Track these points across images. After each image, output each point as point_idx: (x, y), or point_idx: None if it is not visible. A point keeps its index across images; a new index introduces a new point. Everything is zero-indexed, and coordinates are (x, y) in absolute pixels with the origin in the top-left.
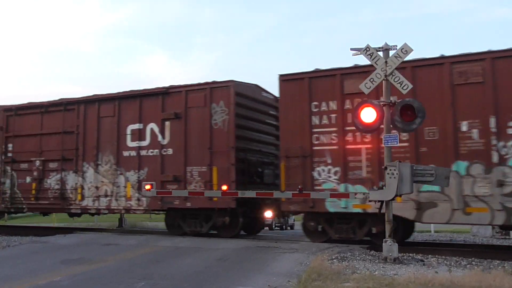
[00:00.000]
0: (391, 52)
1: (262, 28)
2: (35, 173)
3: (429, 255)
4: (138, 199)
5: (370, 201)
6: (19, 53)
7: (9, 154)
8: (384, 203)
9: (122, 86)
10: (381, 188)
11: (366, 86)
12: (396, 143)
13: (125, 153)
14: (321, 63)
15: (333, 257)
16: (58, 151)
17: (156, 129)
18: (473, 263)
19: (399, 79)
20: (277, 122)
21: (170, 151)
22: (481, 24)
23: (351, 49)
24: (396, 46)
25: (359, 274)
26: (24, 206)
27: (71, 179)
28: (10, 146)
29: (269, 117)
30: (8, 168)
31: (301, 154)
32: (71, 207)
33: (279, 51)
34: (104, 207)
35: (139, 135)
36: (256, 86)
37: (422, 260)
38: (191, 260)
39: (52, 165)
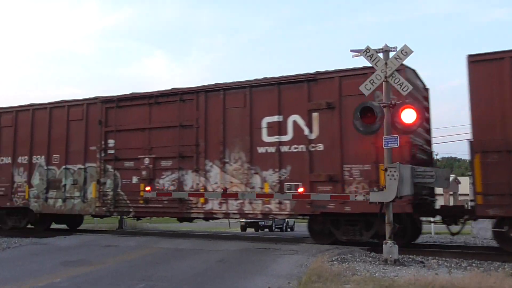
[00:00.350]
0: (391, 54)
1: (261, 30)
2: (143, 173)
3: (430, 257)
4: (280, 202)
5: (370, 202)
6: (19, 55)
7: (111, 151)
8: (385, 205)
9: (122, 88)
10: (381, 189)
11: (366, 88)
12: (396, 145)
13: (261, 150)
14: (319, 64)
15: (333, 259)
16: (173, 147)
17: (301, 122)
18: (474, 264)
19: (399, 81)
20: (427, 113)
21: (320, 146)
22: (479, 25)
23: (351, 51)
24: (396, 47)
25: (359, 276)
26: (130, 210)
27: (190, 179)
28: (111, 142)
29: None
30: (109, 166)
31: (504, 148)
32: (192, 211)
33: (277, 53)
34: (235, 211)
35: (278, 128)
36: (414, 71)
37: (422, 262)
38: (191, 262)
39: (165, 163)
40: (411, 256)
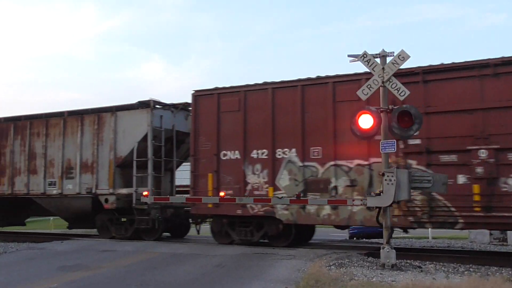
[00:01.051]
0: (388, 59)
1: (259, 35)
2: (478, 170)
3: (427, 262)
4: None
5: (368, 207)
6: (15, 59)
7: (414, 141)
8: (382, 210)
9: (120, 92)
10: (379, 194)
11: (363, 92)
12: (393, 149)
13: None
14: (316, 69)
15: (331, 264)
16: None
17: None
18: (471, 269)
19: (396, 85)
20: None
21: None
22: (476, 30)
23: (349, 56)
24: (393, 52)
25: (357, 281)
26: (458, 221)
27: None
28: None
29: None
30: (414, 162)
31: None
32: None
33: (274, 58)
34: None
35: None
36: None
37: (420, 267)
38: (189, 267)
39: None
40: (408, 261)
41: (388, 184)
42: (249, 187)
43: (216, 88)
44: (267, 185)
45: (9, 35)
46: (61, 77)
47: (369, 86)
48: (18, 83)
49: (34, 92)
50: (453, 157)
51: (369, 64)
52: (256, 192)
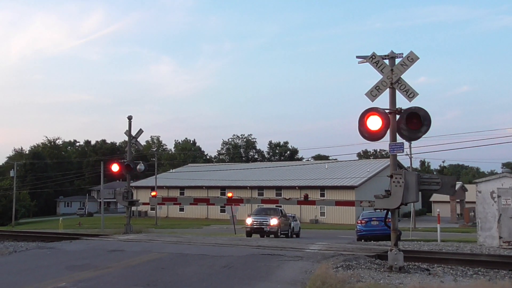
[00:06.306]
0: (397, 60)
1: (268, 36)
2: None
3: (435, 265)
4: None
5: (375, 209)
6: (24, 61)
7: None
8: (390, 212)
9: (130, 94)
10: (387, 196)
11: (372, 94)
12: (402, 151)
13: None
14: (325, 71)
15: (338, 266)
16: None
17: None
18: (480, 273)
19: (405, 87)
20: None
21: None
22: (488, 32)
23: (357, 57)
24: (402, 54)
25: (364, 283)
26: None
27: None
28: None
29: None
30: None
31: None
32: None
33: (284, 59)
34: None
35: None
36: None
37: (427, 270)
38: (196, 268)
39: None
40: (416, 264)
41: (396, 186)
42: None
43: None
44: None
45: (18, 37)
46: (71, 78)
47: (377, 88)
48: (28, 85)
49: (44, 93)
50: None
51: (378, 66)
52: None
